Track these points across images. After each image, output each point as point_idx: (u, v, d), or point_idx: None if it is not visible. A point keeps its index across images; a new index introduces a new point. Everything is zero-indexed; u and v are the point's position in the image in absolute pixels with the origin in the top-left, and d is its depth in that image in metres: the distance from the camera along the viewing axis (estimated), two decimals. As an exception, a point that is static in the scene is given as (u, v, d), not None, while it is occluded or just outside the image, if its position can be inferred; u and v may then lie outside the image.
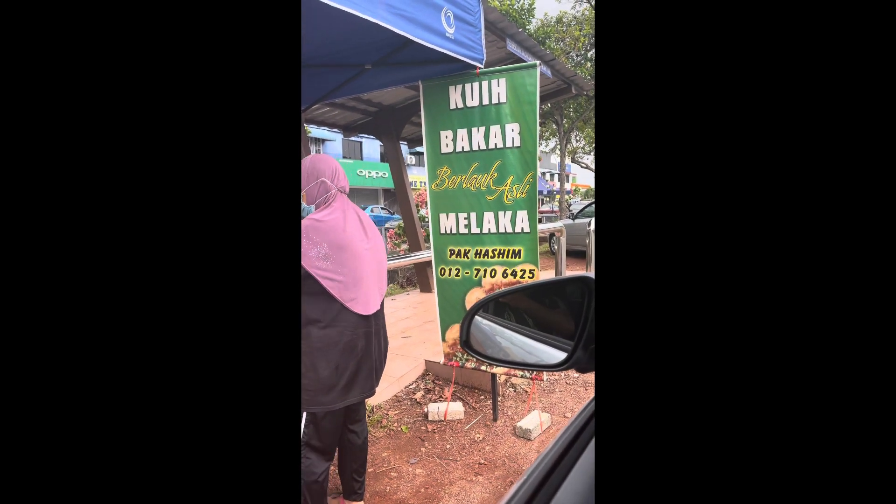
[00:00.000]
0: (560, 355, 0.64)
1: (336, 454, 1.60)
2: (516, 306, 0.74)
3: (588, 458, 0.39)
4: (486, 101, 2.07)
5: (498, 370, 2.26)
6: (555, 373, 2.91)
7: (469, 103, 2.10)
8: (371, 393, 1.50)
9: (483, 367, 2.30)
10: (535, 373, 2.25)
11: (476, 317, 0.72)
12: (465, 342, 0.70)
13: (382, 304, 1.56)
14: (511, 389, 2.75)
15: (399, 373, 2.86)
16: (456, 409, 2.44)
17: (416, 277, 5.92)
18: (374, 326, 1.49)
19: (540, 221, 2.68)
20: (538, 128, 2.04)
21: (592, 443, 0.42)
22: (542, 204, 19.30)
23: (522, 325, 0.72)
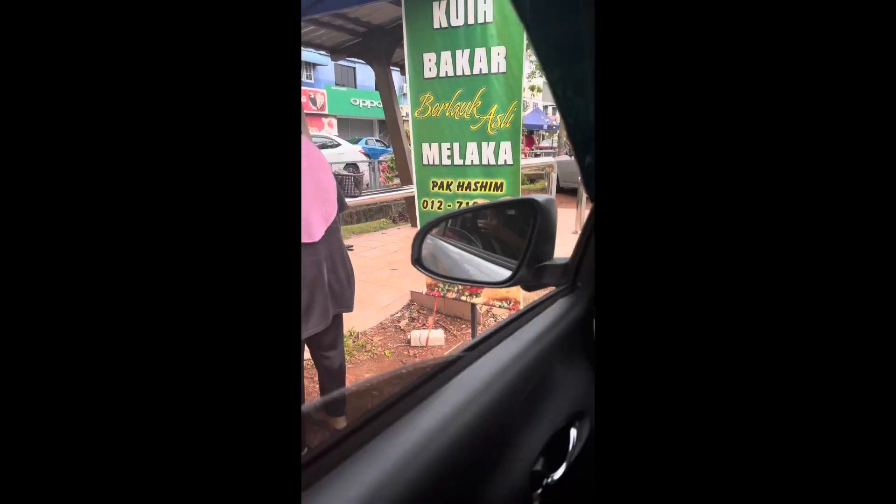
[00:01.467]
0: (506, 273, 0.67)
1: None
2: (467, 226, 0.75)
3: (470, 372, 0.41)
4: (471, 21, 1.94)
5: (477, 301, 2.33)
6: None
7: (454, 22, 1.97)
8: (328, 322, 1.44)
9: (463, 298, 2.38)
10: (511, 304, 2.33)
11: (428, 236, 0.74)
12: (416, 260, 0.72)
13: (337, 231, 1.47)
14: (491, 319, 2.86)
15: (385, 302, 2.96)
16: (437, 336, 2.55)
17: (407, 212, 5.91)
18: (322, 254, 1.38)
19: (537, 156, 2.61)
20: (524, 52, 1.93)
21: (482, 359, 0.43)
22: (542, 139, 18.77)
23: (472, 245, 0.74)
